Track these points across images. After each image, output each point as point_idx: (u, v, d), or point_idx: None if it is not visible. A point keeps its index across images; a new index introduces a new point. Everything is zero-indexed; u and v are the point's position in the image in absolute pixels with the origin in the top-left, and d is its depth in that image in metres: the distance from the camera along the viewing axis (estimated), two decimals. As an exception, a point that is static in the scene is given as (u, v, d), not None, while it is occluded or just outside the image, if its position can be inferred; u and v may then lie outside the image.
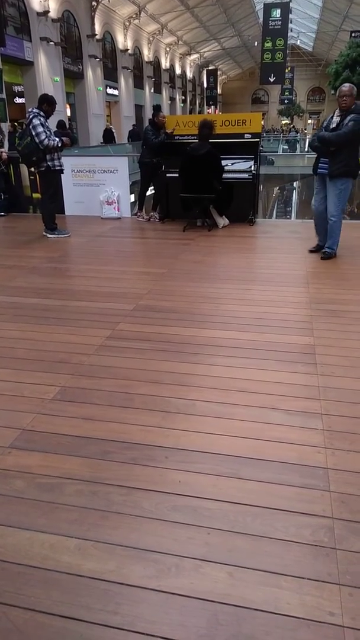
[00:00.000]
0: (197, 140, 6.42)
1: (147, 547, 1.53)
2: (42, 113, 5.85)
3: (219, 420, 2.21)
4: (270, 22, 23.87)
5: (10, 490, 1.79)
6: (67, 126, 17.82)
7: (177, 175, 6.66)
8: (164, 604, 1.34)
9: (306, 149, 24.22)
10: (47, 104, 5.91)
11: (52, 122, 7.38)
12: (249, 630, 1.27)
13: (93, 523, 1.63)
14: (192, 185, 6.41)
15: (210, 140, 6.34)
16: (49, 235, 6.29)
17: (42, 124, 5.77)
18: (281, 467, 1.88)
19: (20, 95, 18.97)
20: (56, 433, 2.12)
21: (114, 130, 21.52)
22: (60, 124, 11.39)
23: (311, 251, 5.31)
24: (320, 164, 4.97)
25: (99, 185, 7.63)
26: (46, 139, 5.74)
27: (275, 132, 32.50)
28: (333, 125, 4.76)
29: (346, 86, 4.78)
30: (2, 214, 7.88)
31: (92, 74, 23.58)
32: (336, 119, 4.77)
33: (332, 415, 2.23)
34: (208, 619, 1.30)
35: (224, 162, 6.50)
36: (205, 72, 44.68)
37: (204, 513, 1.66)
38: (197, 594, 1.37)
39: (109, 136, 20.56)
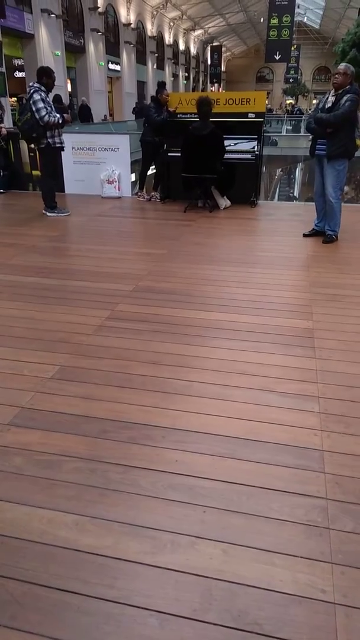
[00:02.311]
0: (198, 119, 6.31)
1: (144, 524, 1.55)
2: (42, 88, 5.73)
3: (216, 401, 2.23)
4: (277, -3, 23.29)
5: (9, 466, 1.81)
6: (69, 102, 17.45)
7: (178, 154, 6.57)
8: (159, 579, 1.38)
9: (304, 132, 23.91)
10: (46, 77, 5.77)
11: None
12: (242, 605, 1.30)
13: (91, 500, 1.65)
14: (194, 166, 6.32)
15: (212, 120, 6.22)
16: (48, 214, 6.23)
17: (42, 100, 5.65)
18: (277, 449, 1.90)
19: (21, 69, 18.59)
20: (55, 411, 2.14)
21: (90, 107, 19.61)
22: (57, 98, 11.09)
23: (306, 235, 5.26)
24: (317, 146, 4.90)
25: (100, 164, 7.53)
26: (46, 115, 5.63)
27: (274, 113, 31.85)
28: (328, 105, 4.69)
29: (342, 65, 4.71)
30: (2, 191, 7.79)
31: (94, 49, 23.09)
32: (331, 99, 4.70)
33: (328, 399, 2.25)
34: (202, 594, 1.33)
35: (226, 142, 6.41)
36: (209, 48, 43.77)
37: (200, 492, 1.68)
38: (192, 570, 1.40)
39: (85, 113, 18.42)
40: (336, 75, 4.64)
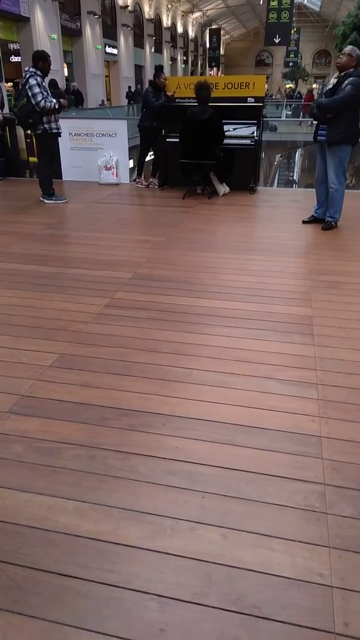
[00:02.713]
0: (197, 104, 6.23)
1: (144, 510, 1.57)
2: (38, 72, 5.64)
3: (215, 388, 2.24)
4: (276, -22, 22.88)
5: (9, 454, 1.82)
6: (66, 87, 17.21)
7: (177, 140, 6.50)
8: (159, 564, 1.39)
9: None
10: (42, 61, 5.68)
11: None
12: (241, 589, 1.32)
13: (91, 486, 1.66)
14: (192, 151, 6.26)
15: (211, 104, 6.15)
16: (46, 201, 6.19)
17: (38, 84, 5.57)
18: (276, 435, 1.91)
19: (16, 53, 18.30)
20: (54, 399, 2.15)
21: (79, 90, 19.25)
22: (52, 83, 10.93)
23: (305, 222, 5.22)
24: (319, 131, 4.85)
25: (97, 150, 7.45)
26: (42, 101, 5.55)
27: (274, 98, 31.52)
28: (329, 86, 4.63)
29: (348, 47, 4.64)
30: (-1, 178, 7.73)
31: (91, 32, 22.72)
32: (333, 81, 4.63)
33: (327, 385, 2.25)
34: (202, 578, 1.35)
35: (225, 127, 6.34)
36: (207, 31, 43.10)
37: (199, 478, 1.70)
38: (192, 554, 1.42)
39: (76, 98, 18.10)
40: (340, 56, 4.57)
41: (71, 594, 1.31)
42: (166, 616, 1.25)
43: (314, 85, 46.02)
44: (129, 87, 23.34)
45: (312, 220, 5.20)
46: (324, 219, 5.08)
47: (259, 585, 1.33)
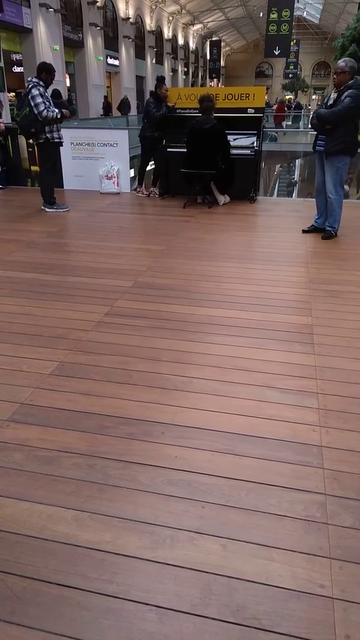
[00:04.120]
0: (199, 114, 6.29)
1: (143, 519, 1.56)
2: (41, 82, 5.71)
3: (216, 397, 2.23)
4: (276, -9, 23.14)
5: (8, 462, 1.81)
6: (67, 97, 17.38)
7: (177, 150, 6.56)
8: (159, 574, 1.38)
9: (309, 126, 23.76)
10: (45, 73, 5.76)
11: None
12: (241, 600, 1.31)
13: (90, 495, 1.65)
14: (194, 161, 6.31)
15: (214, 115, 6.21)
16: (47, 210, 6.22)
17: (41, 94, 5.63)
18: (276, 444, 1.91)
19: (19, 64, 18.48)
20: (54, 407, 2.14)
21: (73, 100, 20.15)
22: (55, 93, 11.02)
23: (305, 231, 5.24)
24: (318, 141, 4.91)
25: (99, 159, 7.51)
26: (45, 110, 5.61)
27: (272, 109, 31.75)
28: (330, 102, 4.68)
29: (341, 62, 4.68)
30: (0, 186, 7.77)
31: (93, 43, 22.97)
32: (333, 95, 4.69)
33: (327, 395, 2.25)
34: (201, 589, 1.34)
35: (226, 138, 6.39)
36: (208, 43, 43.55)
37: (199, 487, 1.69)
38: (191, 565, 1.41)
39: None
40: (334, 77, 4.63)
41: (70, 604, 1.30)
42: (165, 627, 1.24)
43: (313, 97, 46.46)
44: (105, 97, 23.02)
45: (312, 230, 5.22)
46: (323, 229, 5.11)
47: (259, 597, 1.32)
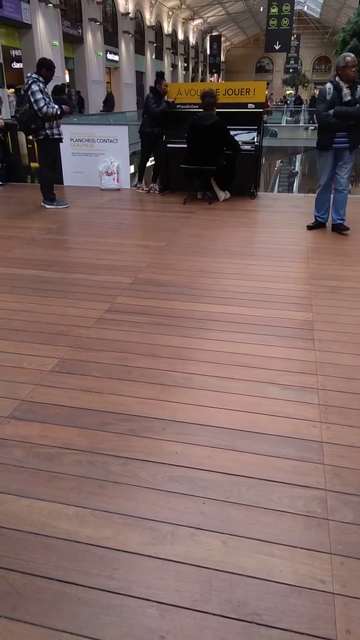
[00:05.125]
0: (199, 110, 6.26)
1: (144, 516, 1.56)
2: (41, 78, 5.68)
3: (216, 393, 2.23)
4: (277, -15, 23.01)
5: (9, 459, 1.81)
6: (68, 93, 17.30)
7: (177, 145, 6.53)
8: (160, 570, 1.38)
9: (309, 122, 23.65)
10: (45, 69, 5.74)
11: (51, 88, 7.18)
12: (242, 596, 1.31)
13: (91, 492, 1.66)
14: (194, 157, 6.28)
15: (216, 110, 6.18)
16: (47, 206, 6.21)
17: (41, 90, 5.61)
18: (277, 440, 1.91)
19: (18, 59, 18.38)
20: (55, 404, 2.14)
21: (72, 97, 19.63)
22: (57, 88, 10.97)
23: (310, 228, 5.22)
24: (336, 139, 4.77)
25: (98, 155, 7.48)
26: (45, 106, 5.59)
27: (273, 103, 31.73)
28: (347, 98, 4.59)
29: (351, 56, 4.63)
30: (0, 183, 7.75)
31: (92, 39, 22.83)
32: (346, 91, 4.59)
33: (328, 390, 2.25)
34: (202, 585, 1.34)
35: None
36: (208, 38, 43.34)
37: (200, 483, 1.69)
38: (192, 561, 1.41)
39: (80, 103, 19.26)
40: (353, 69, 4.55)
41: (71, 600, 1.30)
42: (166, 623, 1.24)
43: (314, 91, 46.17)
44: (78, 93, 21.77)
45: (316, 226, 5.22)
46: (324, 224, 5.12)
47: (260, 592, 1.32)
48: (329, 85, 4.73)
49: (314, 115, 4.96)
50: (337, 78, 4.65)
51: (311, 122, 23.12)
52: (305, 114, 24.98)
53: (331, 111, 4.65)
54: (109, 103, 21.68)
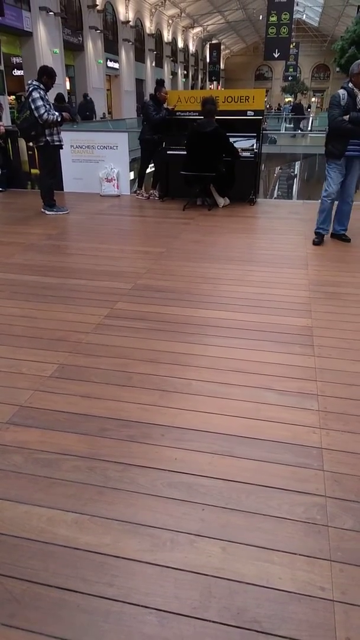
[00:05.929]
0: (199, 117, 6.30)
1: (143, 522, 1.55)
2: (41, 86, 5.72)
3: (215, 399, 2.23)
4: (276, -6, 23.22)
5: (8, 465, 1.81)
6: (67, 100, 17.30)
7: (177, 152, 6.56)
8: (159, 577, 1.38)
9: (309, 128, 23.75)
10: (46, 76, 5.78)
11: (52, 96, 7.22)
12: (241, 603, 1.30)
13: (90, 498, 1.65)
14: (194, 163, 6.31)
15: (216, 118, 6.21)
16: (47, 212, 6.23)
17: (41, 98, 5.64)
18: (276, 446, 1.90)
19: (19, 67, 18.53)
20: (54, 410, 2.14)
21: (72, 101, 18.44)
22: (59, 97, 11.04)
23: (316, 244, 4.94)
24: (350, 146, 4.71)
25: (98, 162, 7.52)
26: (45, 113, 5.62)
27: (273, 110, 31.89)
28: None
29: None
30: (0, 189, 7.78)
31: (93, 46, 23.03)
32: None
33: (327, 397, 2.25)
34: (201, 592, 1.33)
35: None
36: (208, 46, 43.68)
37: (199, 490, 1.68)
38: (191, 568, 1.40)
39: (86, 109, 17.06)
40: None
41: (70, 607, 1.30)
42: (165, 631, 1.24)
43: (313, 99, 46.49)
44: (60, 94, 19.63)
45: (322, 239, 5.01)
46: (322, 235, 5.01)
47: (259, 599, 1.31)
48: (342, 91, 4.65)
49: (328, 121, 4.84)
50: (350, 84, 4.63)
51: (299, 129, 23.25)
52: (305, 122, 25.11)
53: (346, 117, 4.63)
54: (84, 109, 17.34)
